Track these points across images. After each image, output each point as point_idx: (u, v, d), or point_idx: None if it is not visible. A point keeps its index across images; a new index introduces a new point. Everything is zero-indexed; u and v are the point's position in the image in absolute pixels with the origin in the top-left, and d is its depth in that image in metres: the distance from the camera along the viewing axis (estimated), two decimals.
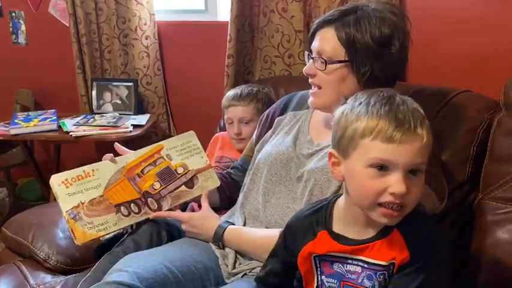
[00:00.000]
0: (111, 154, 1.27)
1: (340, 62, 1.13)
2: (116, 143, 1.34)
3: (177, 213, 1.27)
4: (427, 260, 0.84)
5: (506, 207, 1.25)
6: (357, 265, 0.88)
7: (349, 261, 0.89)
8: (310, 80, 1.19)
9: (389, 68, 1.14)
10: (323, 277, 0.92)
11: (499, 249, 1.21)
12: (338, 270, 0.90)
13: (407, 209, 0.84)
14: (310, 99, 1.21)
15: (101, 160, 1.27)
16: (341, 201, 0.92)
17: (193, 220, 1.24)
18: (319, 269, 0.92)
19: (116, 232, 1.24)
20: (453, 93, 1.40)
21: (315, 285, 0.92)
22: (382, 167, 0.81)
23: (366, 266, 0.87)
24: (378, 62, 1.11)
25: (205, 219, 1.24)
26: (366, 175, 0.82)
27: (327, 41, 1.14)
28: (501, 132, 1.31)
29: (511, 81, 1.36)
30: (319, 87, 1.17)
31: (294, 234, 0.95)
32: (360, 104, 0.84)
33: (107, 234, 1.21)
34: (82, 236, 1.17)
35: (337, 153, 0.87)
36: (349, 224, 0.89)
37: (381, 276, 0.86)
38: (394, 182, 0.80)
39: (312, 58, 1.17)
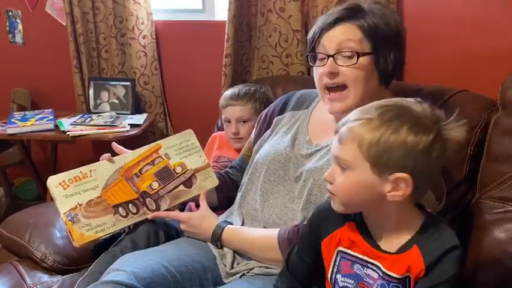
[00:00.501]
0: (109, 154, 1.26)
1: (368, 53, 1.11)
2: (113, 142, 1.33)
3: (176, 213, 1.27)
4: (442, 273, 0.84)
5: (503, 206, 1.25)
6: (375, 271, 0.88)
7: (369, 265, 0.89)
8: (331, 81, 1.12)
9: (401, 58, 1.17)
10: (338, 275, 0.92)
11: (497, 248, 1.21)
12: (358, 272, 0.90)
13: (338, 198, 0.86)
14: (333, 105, 1.13)
15: (98, 160, 1.26)
16: None
17: (192, 220, 1.24)
18: (336, 266, 0.92)
19: (114, 233, 1.24)
20: (450, 92, 1.40)
21: (328, 280, 0.93)
22: None
23: (381, 274, 0.87)
24: (397, 51, 1.13)
25: (204, 218, 1.24)
26: None
27: (349, 34, 1.10)
28: (498, 131, 1.31)
29: (508, 81, 1.36)
30: (345, 87, 1.11)
31: (323, 218, 0.95)
32: None
33: (105, 235, 1.20)
34: (80, 237, 1.16)
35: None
36: (375, 228, 0.90)
37: None
38: None
39: (332, 56, 1.11)
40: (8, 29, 2.53)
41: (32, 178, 2.58)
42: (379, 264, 0.87)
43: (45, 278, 1.37)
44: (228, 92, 1.68)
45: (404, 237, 0.87)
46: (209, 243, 1.22)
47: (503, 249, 1.20)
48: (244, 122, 1.62)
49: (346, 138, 0.83)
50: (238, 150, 1.54)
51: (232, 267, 1.17)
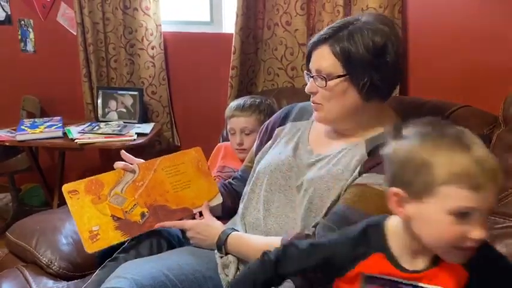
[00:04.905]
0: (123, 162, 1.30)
1: (339, 76, 1.14)
2: (122, 150, 1.35)
3: (182, 222, 1.29)
4: (485, 273, 0.82)
5: (504, 221, 1.25)
6: None
7: (404, 286, 0.85)
8: (311, 99, 1.21)
9: (387, 77, 1.16)
10: None
11: None
12: None
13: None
14: (314, 114, 1.23)
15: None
16: (394, 227, 0.87)
17: (198, 227, 1.26)
18: None
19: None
20: (453, 107, 1.41)
21: None
22: (465, 214, 0.76)
23: None
24: (376, 72, 1.13)
25: (209, 225, 1.26)
26: (446, 222, 0.77)
27: (323, 58, 1.16)
28: (500, 147, 1.31)
29: (511, 97, 1.37)
30: (321, 105, 1.19)
31: (332, 260, 0.89)
32: (424, 140, 0.79)
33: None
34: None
35: (405, 193, 0.80)
36: (404, 252, 0.86)
37: None
38: (477, 228, 0.76)
39: (312, 77, 1.19)
40: (20, 37, 2.59)
41: (39, 184, 2.61)
42: (421, 285, 0.83)
43: (50, 283, 1.39)
44: (234, 103, 1.70)
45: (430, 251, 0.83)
46: (215, 252, 1.23)
47: None
48: (248, 133, 1.63)
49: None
50: (243, 161, 1.55)
51: (234, 278, 1.17)
